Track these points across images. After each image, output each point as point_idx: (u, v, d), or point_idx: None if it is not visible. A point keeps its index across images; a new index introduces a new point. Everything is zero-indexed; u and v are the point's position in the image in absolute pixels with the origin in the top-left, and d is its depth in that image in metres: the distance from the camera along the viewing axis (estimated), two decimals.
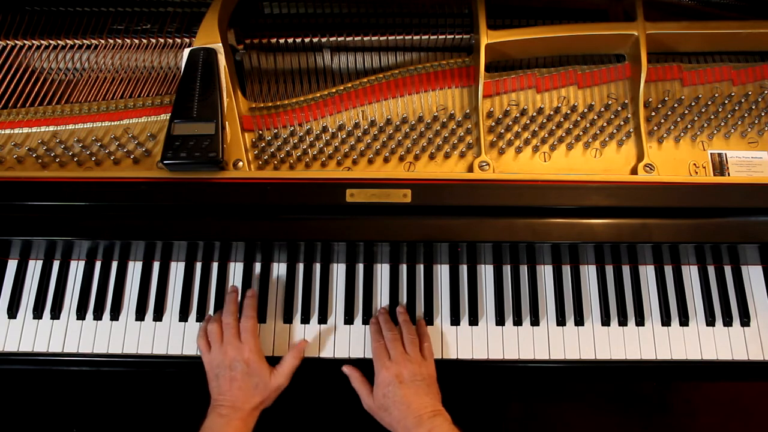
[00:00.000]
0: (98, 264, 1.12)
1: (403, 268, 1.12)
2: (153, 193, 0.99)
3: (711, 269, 1.12)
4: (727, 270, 1.12)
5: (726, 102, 1.09)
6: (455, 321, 1.08)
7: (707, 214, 0.99)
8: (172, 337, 1.07)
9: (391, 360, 0.98)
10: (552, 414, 1.10)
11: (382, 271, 1.12)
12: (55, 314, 1.08)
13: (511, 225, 0.99)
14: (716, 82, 1.12)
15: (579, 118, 1.08)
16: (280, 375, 0.99)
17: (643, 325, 1.08)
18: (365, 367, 1.02)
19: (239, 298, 1.07)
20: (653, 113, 1.08)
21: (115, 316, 1.08)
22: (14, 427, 1.10)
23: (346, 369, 1.03)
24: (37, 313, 1.08)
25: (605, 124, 1.08)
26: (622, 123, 1.08)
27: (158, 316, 1.08)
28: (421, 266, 1.12)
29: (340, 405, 1.02)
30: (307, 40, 1.13)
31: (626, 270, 1.11)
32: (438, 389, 0.98)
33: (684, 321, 1.07)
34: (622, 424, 1.09)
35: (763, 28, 1.07)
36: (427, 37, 1.13)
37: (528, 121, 1.08)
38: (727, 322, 1.08)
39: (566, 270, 1.11)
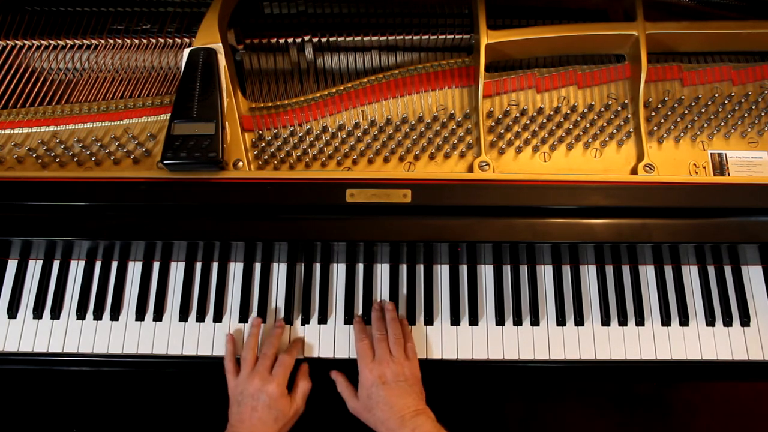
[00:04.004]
0: (98, 264, 1.12)
1: (403, 268, 1.12)
2: (153, 193, 0.99)
3: (711, 269, 1.12)
4: (727, 270, 1.12)
5: (726, 102, 1.09)
6: (455, 321, 1.07)
7: (707, 214, 0.99)
8: (172, 337, 1.07)
9: (375, 360, 0.99)
10: (552, 414, 1.10)
11: (382, 271, 1.12)
12: (55, 314, 1.08)
13: (511, 225, 0.99)
14: (716, 82, 1.12)
15: (579, 118, 1.08)
16: (296, 400, 1.00)
17: (643, 325, 1.08)
18: None
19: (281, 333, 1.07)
20: (653, 113, 1.08)
21: (115, 316, 1.08)
22: (14, 427, 1.10)
23: (334, 374, 1.04)
24: (37, 313, 1.08)
25: (605, 124, 1.08)
26: (622, 123, 1.08)
27: (158, 316, 1.08)
28: (421, 266, 1.12)
29: (339, 405, 1.02)
30: (307, 39, 1.13)
31: (626, 270, 1.11)
32: (422, 389, 0.98)
33: (684, 321, 1.07)
34: (622, 424, 1.09)
35: (763, 28, 1.07)
36: (427, 37, 1.13)
37: (528, 121, 1.08)
38: (727, 322, 1.08)
39: (566, 270, 1.11)
